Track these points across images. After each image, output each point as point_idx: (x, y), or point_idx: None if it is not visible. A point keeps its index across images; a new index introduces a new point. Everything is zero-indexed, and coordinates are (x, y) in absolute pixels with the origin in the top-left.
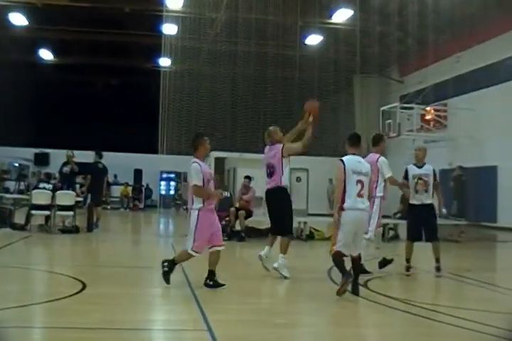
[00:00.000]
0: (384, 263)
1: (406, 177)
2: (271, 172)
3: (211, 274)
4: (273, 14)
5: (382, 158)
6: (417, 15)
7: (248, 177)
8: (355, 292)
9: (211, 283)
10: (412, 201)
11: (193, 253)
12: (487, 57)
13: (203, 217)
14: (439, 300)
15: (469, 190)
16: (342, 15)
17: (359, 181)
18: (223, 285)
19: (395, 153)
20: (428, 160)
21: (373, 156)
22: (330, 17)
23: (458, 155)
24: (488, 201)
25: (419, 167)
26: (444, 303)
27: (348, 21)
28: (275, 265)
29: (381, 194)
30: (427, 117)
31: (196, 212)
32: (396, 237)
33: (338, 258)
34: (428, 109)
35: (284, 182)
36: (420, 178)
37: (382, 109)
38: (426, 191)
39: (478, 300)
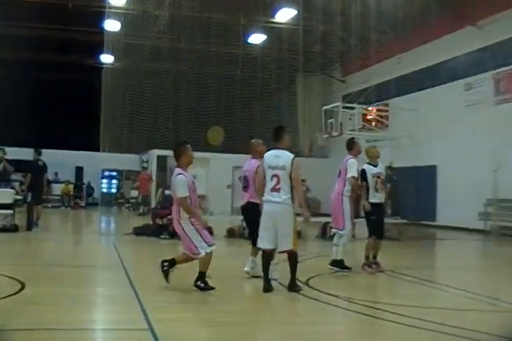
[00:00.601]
0: (335, 262)
1: (364, 177)
2: (245, 186)
3: (202, 275)
4: (217, 12)
5: (351, 160)
6: (360, 15)
7: None
8: (291, 288)
9: (202, 285)
10: (374, 200)
11: (209, 250)
12: (428, 58)
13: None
14: (380, 298)
15: (409, 190)
16: (285, 15)
17: (274, 175)
18: (213, 288)
19: (337, 152)
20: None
21: (345, 158)
22: (273, 16)
23: (399, 155)
24: (427, 200)
25: (375, 166)
26: (385, 301)
27: (292, 20)
28: (257, 271)
29: (349, 193)
30: (369, 117)
31: (187, 220)
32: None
33: (262, 256)
34: (370, 108)
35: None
36: (379, 177)
37: (324, 108)
38: (382, 190)
39: (418, 297)
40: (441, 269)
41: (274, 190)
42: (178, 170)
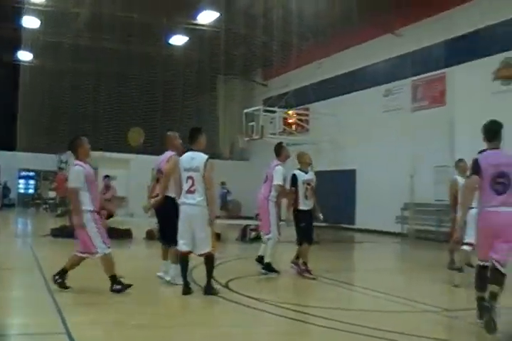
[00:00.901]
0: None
1: (295, 183)
2: (158, 178)
3: (113, 279)
4: (138, 12)
5: (278, 167)
6: (282, 20)
7: (108, 176)
8: (207, 291)
9: (118, 287)
10: (302, 207)
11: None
12: (348, 64)
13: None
14: (299, 300)
15: (329, 193)
16: (207, 17)
17: (189, 177)
18: (130, 285)
19: (257, 155)
20: (290, 163)
21: (272, 164)
22: (195, 18)
23: (320, 159)
24: (347, 204)
25: (306, 172)
26: (304, 303)
27: (214, 23)
28: (168, 279)
29: (275, 199)
30: (290, 121)
31: (88, 214)
32: (258, 238)
33: (180, 258)
34: (290, 112)
35: (171, 189)
36: (309, 184)
37: (245, 111)
38: (312, 197)
39: (337, 299)
40: (359, 272)
41: (189, 191)
42: (75, 162)
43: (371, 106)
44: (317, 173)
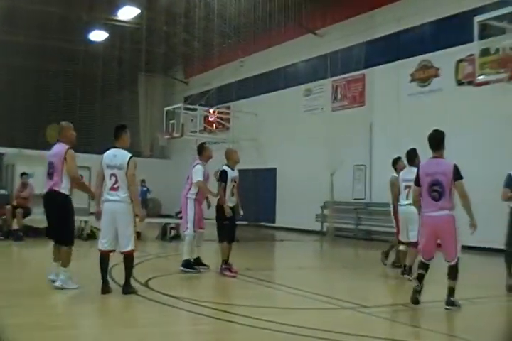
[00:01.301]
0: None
1: (225, 179)
2: (51, 172)
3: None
4: (57, 6)
5: (197, 167)
6: (204, 18)
7: (25, 174)
8: (125, 291)
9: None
10: (229, 203)
11: None
12: (270, 63)
13: None
14: (219, 298)
15: (250, 192)
16: (128, 13)
17: (112, 174)
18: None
19: (178, 153)
20: (212, 161)
21: (194, 162)
22: (116, 14)
23: (240, 158)
24: (267, 202)
25: (233, 169)
26: (224, 301)
27: (135, 19)
28: (58, 284)
29: (194, 196)
30: (211, 119)
31: None
32: (178, 237)
33: (100, 258)
34: (211, 110)
35: (64, 185)
36: (235, 181)
37: (166, 109)
38: (237, 194)
39: (257, 297)
40: (279, 270)
41: (112, 189)
42: None
43: (292, 105)
44: (238, 172)
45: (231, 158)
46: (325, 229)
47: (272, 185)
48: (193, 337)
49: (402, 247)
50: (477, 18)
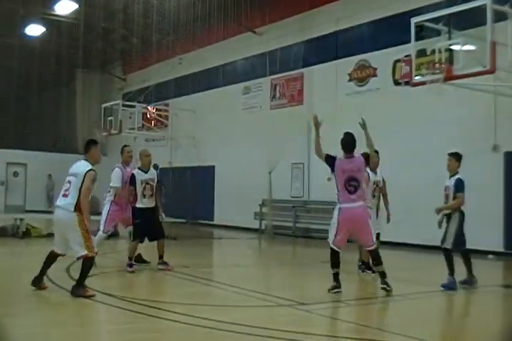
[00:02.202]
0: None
1: (132, 182)
2: None
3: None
4: None
5: (115, 170)
6: (143, 15)
7: None
8: (72, 292)
9: None
10: (139, 205)
11: None
12: (209, 60)
13: None
14: (157, 296)
15: (188, 189)
16: (65, 8)
17: (68, 181)
18: None
19: (115, 151)
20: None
21: (114, 166)
22: (53, 8)
23: (178, 155)
24: (206, 200)
25: (145, 172)
26: (161, 299)
27: (73, 14)
28: None
29: (111, 198)
30: (149, 116)
31: None
32: (115, 235)
33: (48, 255)
34: (150, 107)
35: None
36: (148, 183)
37: (103, 105)
38: (152, 195)
39: (194, 295)
40: (217, 267)
41: (64, 195)
42: None
43: (231, 103)
44: (175, 169)
45: (141, 161)
46: (263, 227)
47: (210, 183)
48: (129, 336)
49: None
50: (414, 20)
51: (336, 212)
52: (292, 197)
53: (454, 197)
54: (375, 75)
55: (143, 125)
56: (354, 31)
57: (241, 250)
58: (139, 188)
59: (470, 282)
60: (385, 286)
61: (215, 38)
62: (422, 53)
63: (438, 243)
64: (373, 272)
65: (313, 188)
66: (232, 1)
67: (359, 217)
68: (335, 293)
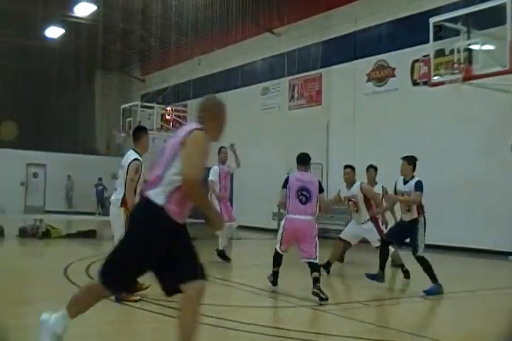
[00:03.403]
0: None
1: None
2: None
3: None
4: (12, 2)
5: (214, 167)
6: (161, 16)
7: None
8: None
9: None
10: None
11: None
12: (228, 61)
13: None
14: (176, 297)
15: (208, 191)
16: (85, 10)
17: (119, 175)
18: None
19: None
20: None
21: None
22: (72, 10)
23: None
24: None
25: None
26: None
27: (92, 16)
28: None
29: None
30: (168, 117)
31: None
32: None
33: None
34: (168, 109)
35: None
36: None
37: (122, 106)
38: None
39: (212, 295)
40: (235, 267)
41: (115, 189)
42: None
43: (249, 104)
44: None
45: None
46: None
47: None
48: (148, 335)
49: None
50: (432, 20)
51: (282, 222)
52: None
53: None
54: (393, 75)
55: (162, 126)
56: (372, 31)
57: (259, 250)
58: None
59: (378, 278)
60: (317, 291)
61: (233, 39)
62: (440, 53)
63: (459, 244)
64: (328, 273)
65: (331, 189)
66: (250, 2)
67: (303, 229)
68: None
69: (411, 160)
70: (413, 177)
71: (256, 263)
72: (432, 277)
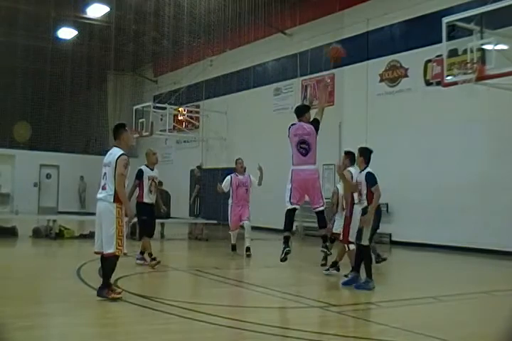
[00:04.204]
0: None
1: (140, 177)
2: None
3: None
4: (24, 3)
5: (227, 177)
6: (173, 17)
7: None
8: (98, 292)
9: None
10: (146, 200)
11: None
12: (240, 62)
13: None
14: (187, 297)
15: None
16: (97, 11)
17: (104, 173)
18: None
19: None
20: (180, 160)
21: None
22: (84, 11)
23: (209, 156)
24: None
25: (152, 169)
26: (192, 300)
27: (104, 17)
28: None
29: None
30: (180, 118)
31: None
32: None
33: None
34: (181, 109)
35: None
36: (153, 180)
37: (135, 107)
38: (155, 192)
39: (224, 296)
40: (247, 268)
41: (103, 188)
42: None
43: (262, 104)
44: (206, 170)
45: (148, 159)
46: (294, 228)
47: None
48: (161, 336)
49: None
50: (445, 19)
51: (289, 175)
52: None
53: (368, 192)
54: (406, 76)
55: (174, 127)
56: (385, 31)
57: (271, 251)
58: (146, 184)
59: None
60: (325, 250)
61: (245, 40)
62: (453, 53)
63: (467, 244)
64: (338, 271)
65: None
66: (262, 3)
67: (309, 178)
68: (284, 257)
69: (362, 152)
70: (365, 168)
71: (268, 264)
72: (369, 271)
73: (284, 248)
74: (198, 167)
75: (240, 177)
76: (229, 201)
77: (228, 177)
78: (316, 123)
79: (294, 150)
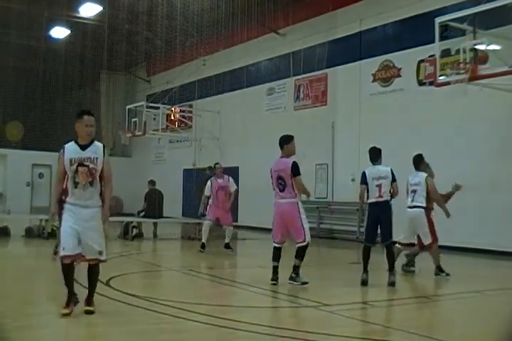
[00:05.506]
0: None
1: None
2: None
3: None
4: (16, 2)
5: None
6: (166, 16)
7: None
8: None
9: None
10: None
11: None
12: (233, 62)
13: None
14: (180, 297)
15: None
16: (90, 10)
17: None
18: None
19: (139, 152)
20: (173, 159)
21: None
22: (77, 11)
23: (203, 156)
24: None
25: None
26: (185, 300)
27: (97, 17)
28: None
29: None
30: (173, 117)
31: None
32: (140, 235)
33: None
34: (173, 109)
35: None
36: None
37: (128, 107)
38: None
39: (217, 296)
40: (240, 268)
41: None
42: None
43: (254, 104)
44: (199, 170)
45: None
46: None
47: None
48: (154, 336)
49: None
50: (438, 19)
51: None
52: (316, 198)
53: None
54: (399, 75)
55: (167, 126)
56: (378, 31)
57: (265, 251)
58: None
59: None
60: (292, 282)
61: (238, 39)
62: (446, 53)
63: (464, 244)
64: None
65: (337, 189)
66: (255, 3)
67: (286, 213)
68: (272, 284)
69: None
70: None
71: (261, 264)
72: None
73: (272, 279)
74: (210, 167)
75: (220, 180)
76: (209, 201)
77: (209, 181)
78: (294, 167)
79: (274, 185)
